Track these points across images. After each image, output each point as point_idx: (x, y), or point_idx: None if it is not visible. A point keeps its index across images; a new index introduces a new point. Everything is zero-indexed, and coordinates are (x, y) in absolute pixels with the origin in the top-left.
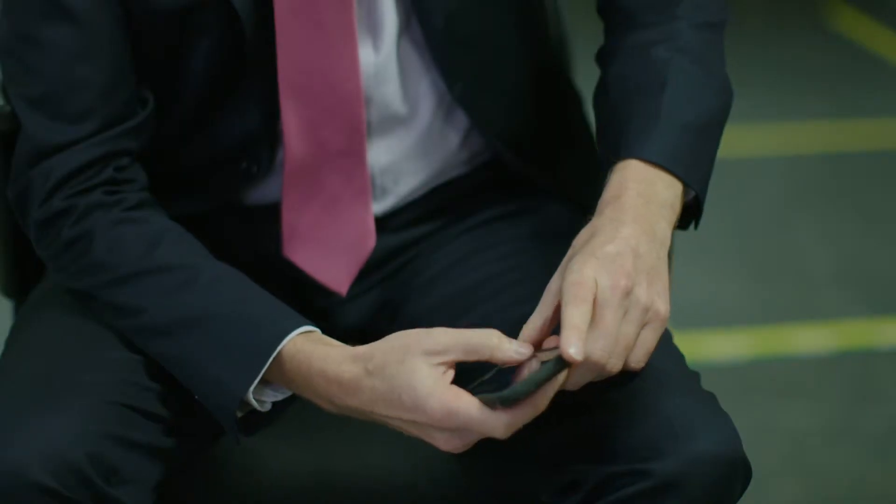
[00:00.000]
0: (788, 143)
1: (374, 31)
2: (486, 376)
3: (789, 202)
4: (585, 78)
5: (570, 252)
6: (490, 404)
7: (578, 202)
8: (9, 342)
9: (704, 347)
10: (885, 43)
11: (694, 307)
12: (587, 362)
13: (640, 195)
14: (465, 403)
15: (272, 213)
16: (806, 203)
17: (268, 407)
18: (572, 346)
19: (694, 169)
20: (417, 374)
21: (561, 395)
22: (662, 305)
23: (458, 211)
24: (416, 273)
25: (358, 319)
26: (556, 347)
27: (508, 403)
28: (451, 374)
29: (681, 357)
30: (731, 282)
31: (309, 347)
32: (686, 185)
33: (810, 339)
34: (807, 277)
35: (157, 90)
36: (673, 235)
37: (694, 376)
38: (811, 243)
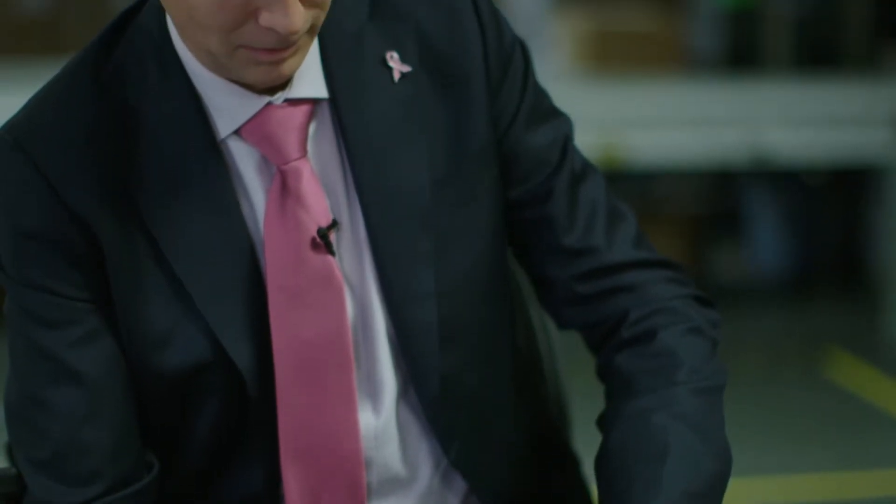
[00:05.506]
0: (789, 495)
1: (374, 395)
2: None
3: None
4: (584, 435)
5: None
6: None
7: None
8: None
9: None
10: (883, 392)
11: None
12: None
13: None
14: None
15: None
16: None
17: None
18: None
19: None
20: None
21: None
22: None
23: None
24: None
25: None
26: None
27: None
28: None
29: None
30: None
31: None
32: None
33: None
34: None
35: (161, 452)
36: None
37: None
38: None
